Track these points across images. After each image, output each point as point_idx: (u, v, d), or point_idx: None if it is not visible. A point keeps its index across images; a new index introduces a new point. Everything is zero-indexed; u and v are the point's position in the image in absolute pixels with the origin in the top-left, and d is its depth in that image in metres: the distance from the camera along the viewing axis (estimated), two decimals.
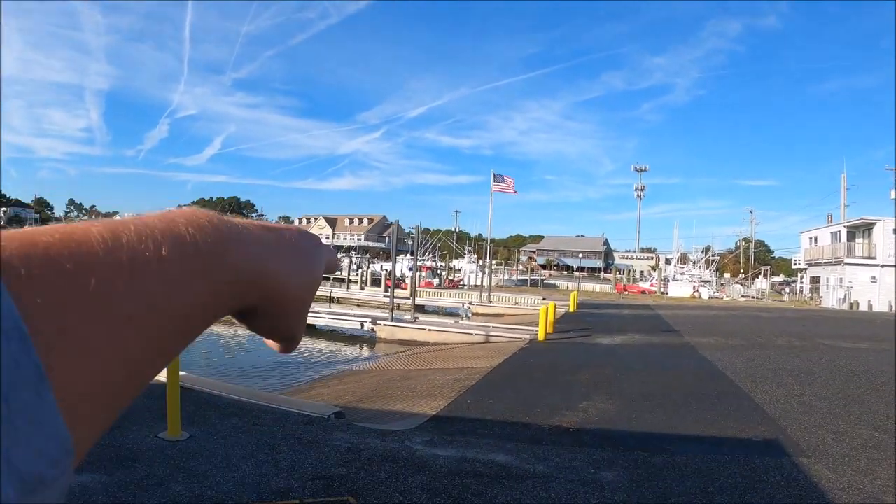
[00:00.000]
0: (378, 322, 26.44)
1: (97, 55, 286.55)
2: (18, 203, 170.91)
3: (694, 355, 18.06)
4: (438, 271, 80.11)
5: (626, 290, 73.66)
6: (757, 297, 67.25)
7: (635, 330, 25.27)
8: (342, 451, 7.37)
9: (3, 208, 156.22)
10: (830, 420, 10.01)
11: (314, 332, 27.99)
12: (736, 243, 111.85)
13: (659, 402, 11.18)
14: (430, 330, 25.37)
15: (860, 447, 8.38)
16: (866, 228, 55.71)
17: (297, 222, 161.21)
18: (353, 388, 15.19)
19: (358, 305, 42.88)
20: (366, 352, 24.43)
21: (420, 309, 43.95)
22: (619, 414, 10.31)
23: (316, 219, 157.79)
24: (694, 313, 38.11)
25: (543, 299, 46.07)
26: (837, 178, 69.14)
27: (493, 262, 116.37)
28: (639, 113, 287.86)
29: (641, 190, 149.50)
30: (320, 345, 25.55)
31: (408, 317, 28.05)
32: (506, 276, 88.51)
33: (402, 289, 53.34)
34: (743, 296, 68.54)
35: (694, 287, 68.00)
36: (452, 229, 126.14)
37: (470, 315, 40.34)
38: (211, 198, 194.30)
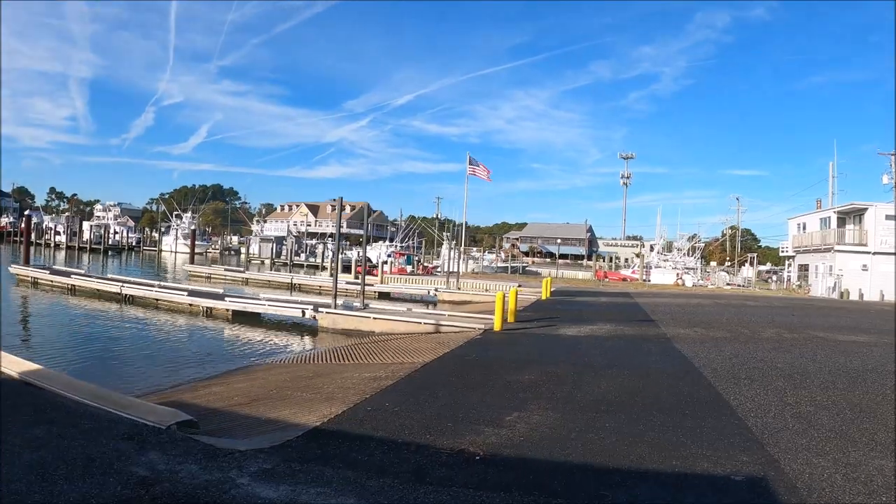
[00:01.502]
0: (320, 310, 23.79)
1: (82, 44, 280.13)
2: None
3: (668, 350, 15.57)
4: (414, 257, 77.45)
5: (606, 278, 71.30)
6: (743, 286, 64.85)
7: (607, 319, 22.77)
8: (131, 482, 5.32)
9: None
10: (836, 443, 7.42)
11: (256, 320, 25.70)
12: (722, 231, 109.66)
13: (613, 414, 8.63)
14: (374, 318, 22.81)
15: (883, 490, 5.81)
16: (857, 214, 53.31)
17: (279, 209, 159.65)
18: (251, 387, 12.61)
19: (318, 293, 40.16)
20: (297, 342, 21.85)
21: (385, 296, 41.83)
22: (556, 432, 7.71)
23: (298, 205, 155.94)
24: (675, 301, 35.52)
25: (519, 286, 43.71)
26: (826, 170, 66.61)
27: (477, 249, 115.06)
28: (626, 102, 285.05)
29: (628, 178, 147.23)
30: (254, 334, 23.10)
31: (357, 304, 25.43)
32: (486, 263, 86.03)
33: (374, 275, 51.36)
34: (728, 284, 66.21)
35: (678, 274, 65.72)
36: (436, 216, 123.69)
37: (436, 302, 38.22)
38: (194, 185, 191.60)
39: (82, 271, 38.87)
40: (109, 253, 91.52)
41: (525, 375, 11.55)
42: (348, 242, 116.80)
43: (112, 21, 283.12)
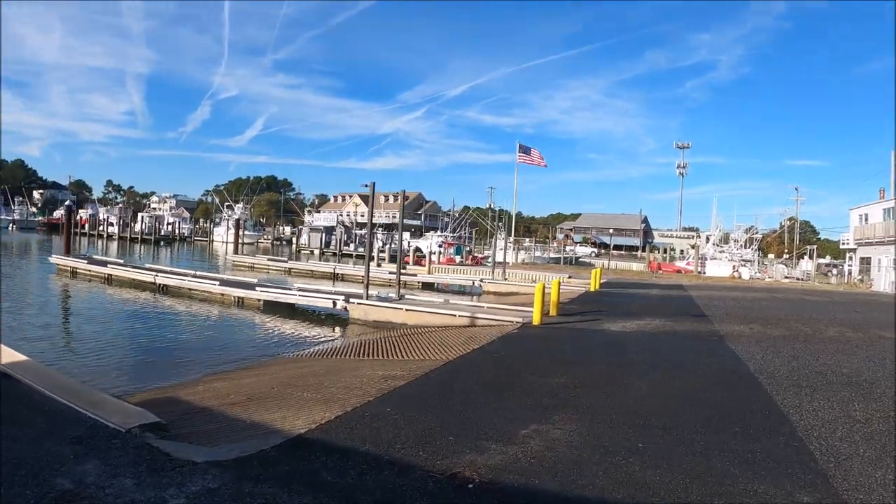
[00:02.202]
0: (351, 300, 22.71)
1: (137, 40, 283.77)
2: (55, 185, 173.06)
3: (721, 349, 14.04)
4: (465, 248, 76.25)
5: (660, 269, 69.04)
6: (801, 279, 62.14)
7: (656, 314, 21.18)
8: (47, 497, 4.62)
9: (41, 191, 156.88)
10: None
11: (287, 310, 24.70)
12: (780, 223, 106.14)
13: (649, 430, 7.28)
14: (407, 310, 21.62)
15: None
16: None
17: (332, 200, 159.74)
18: (256, 383, 11.62)
19: (361, 283, 39.10)
20: (325, 334, 20.83)
21: (430, 286, 40.65)
22: (576, 452, 6.41)
23: (351, 196, 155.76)
24: (730, 295, 33.43)
25: (568, 277, 42.50)
26: (888, 159, 63.28)
27: (530, 239, 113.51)
28: (682, 91, 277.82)
29: (684, 168, 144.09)
30: (284, 325, 22.18)
31: (393, 294, 24.46)
32: (538, 254, 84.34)
33: (422, 265, 50.34)
34: (786, 277, 63.40)
35: (734, 266, 63.17)
36: (488, 206, 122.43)
37: (481, 293, 36.97)
38: (248, 177, 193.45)
39: (120, 261, 39.01)
40: (161, 243, 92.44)
41: (555, 378, 10.24)
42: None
43: (167, 17, 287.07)
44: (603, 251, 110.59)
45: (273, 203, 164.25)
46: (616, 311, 21.70)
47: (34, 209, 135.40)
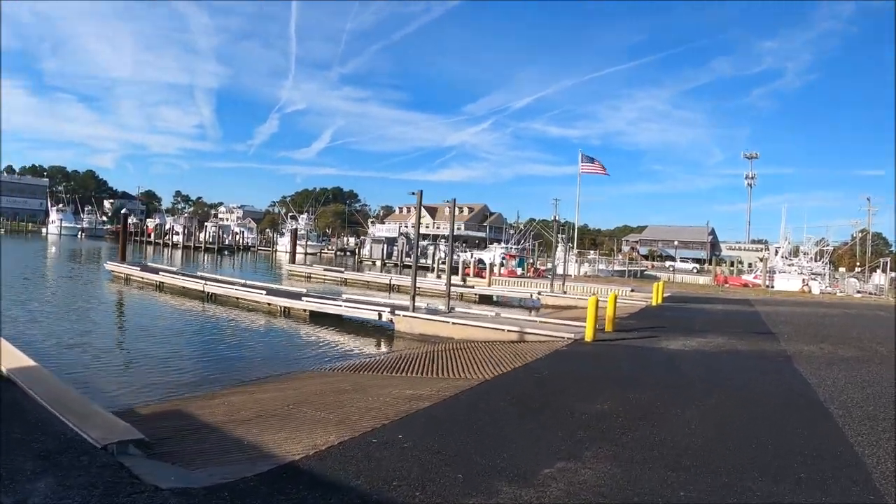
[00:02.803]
0: (397, 313, 21.89)
1: (206, 55, 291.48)
2: (125, 195, 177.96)
3: (787, 372, 12.63)
4: (528, 260, 74.97)
5: (726, 283, 66.37)
6: (874, 294, 59.19)
7: (719, 331, 19.69)
8: None
9: (111, 200, 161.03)
10: None
11: (333, 321, 24.00)
12: (851, 235, 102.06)
13: (695, 473, 6.17)
14: (454, 324, 20.67)
15: None
16: None
17: (398, 211, 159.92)
18: (274, 398, 10.93)
19: (420, 295, 38.21)
20: (368, 347, 20.23)
21: (487, 299, 39.58)
22: (603, 502, 5.31)
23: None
24: (800, 310, 31.30)
25: (631, 290, 41.06)
26: None
27: (595, 252, 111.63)
28: (749, 100, 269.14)
29: (752, 178, 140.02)
30: (327, 336, 21.60)
31: (442, 307, 23.59)
32: (602, 266, 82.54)
33: (483, 277, 49.34)
34: (858, 291, 60.51)
35: (803, 280, 60.50)
36: (553, 218, 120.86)
37: (539, 307, 35.84)
38: (315, 188, 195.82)
39: (172, 269, 39.31)
40: (225, 253, 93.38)
41: (597, 403, 9.14)
42: (465, 244, 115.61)
43: (235, 32, 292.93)
44: (668, 263, 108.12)
45: (338, 214, 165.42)
46: (676, 328, 20.33)
47: (104, 218, 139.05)
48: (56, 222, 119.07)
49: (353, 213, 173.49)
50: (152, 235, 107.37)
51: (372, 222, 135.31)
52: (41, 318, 21.56)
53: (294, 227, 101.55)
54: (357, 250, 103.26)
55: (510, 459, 6.31)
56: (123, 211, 61.76)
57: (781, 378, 11.94)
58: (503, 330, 19.50)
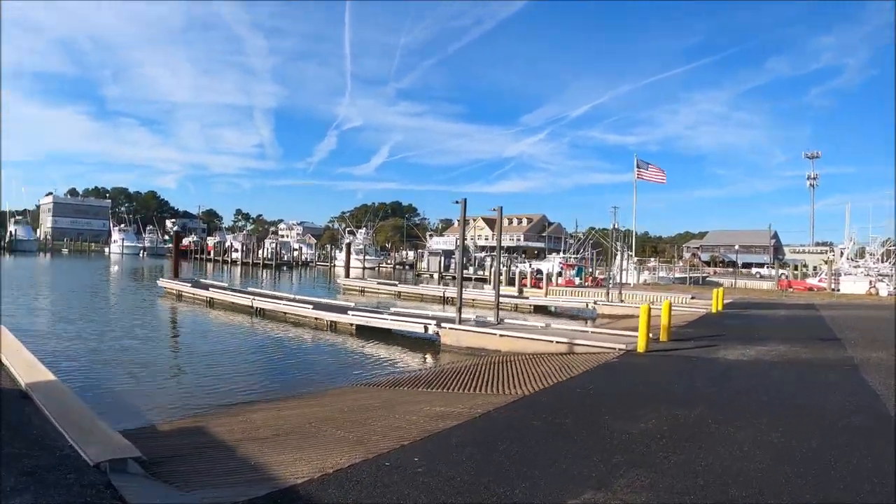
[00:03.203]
0: (443, 325, 21.34)
1: (263, 76, 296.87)
2: (187, 215, 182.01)
3: (854, 384, 11.49)
4: (586, 269, 73.76)
5: (790, 287, 63.95)
6: None
7: (781, 338, 18.49)
8: None
9: (172, 220, 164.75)
10: None
11: (380, 335, 23.53)
12: None
13: None
14: (500, 336, 19.96)
15: None
16: None
17: (455, 224, 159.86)
18: (298, 415, 10.50)
19: (472, 306, 37.53)
20: (413, 361, 19.65)
21: (543, 310, 38.70)
22: None
23: (475, 220, 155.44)
24: (867, 314, 29.43)
25: (691, 297, 39.74)
26: None
27: (655, 259, 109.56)
28: (808, 99, 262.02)
29: (814, 179, 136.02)
30: (372, 349, 21.22)
31: (491, 319, 22.95)
32: (662, 274, 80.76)
33: (540, 288, 48.44)
34: None
35: (870, 282, 57.87)
36: (612, 226, 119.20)
37: (595, 317, 34.87)
38: (374, 203, 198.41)
39: (223, 284, 39.52)
40: (283, 268, 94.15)
41: (641, 421, 8.34)
42: (524, 255, 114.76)
43: (290, 53, 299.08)
44: (730, 269, 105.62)
45: (397, 228, 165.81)
46: (735, 336, 19.21)
47: (166, 237, 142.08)
48: (118, 242, 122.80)
49: (412, 226, 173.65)
50: (212, 253, 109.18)
51: (430, 235, 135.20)
52: (87, 335, 21.77)
53: (357, 242, 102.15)
54: (415, 263, 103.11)
55: (530, 489, 5.62)
56: (176, 229, 62.46)
57: (847, 390, 10.84)
58: (552, 341, 18.75)
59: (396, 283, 52.93)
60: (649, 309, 16.63)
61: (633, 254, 52.54)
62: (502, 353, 18.59)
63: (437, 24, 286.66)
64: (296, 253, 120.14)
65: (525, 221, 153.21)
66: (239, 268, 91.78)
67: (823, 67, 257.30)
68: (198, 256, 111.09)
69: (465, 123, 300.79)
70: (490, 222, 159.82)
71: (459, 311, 21.58)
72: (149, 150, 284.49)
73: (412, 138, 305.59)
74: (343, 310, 26.61)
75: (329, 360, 19.25)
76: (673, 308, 32.02)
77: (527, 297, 42.38)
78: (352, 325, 24.52)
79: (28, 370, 9.39)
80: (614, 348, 16.76)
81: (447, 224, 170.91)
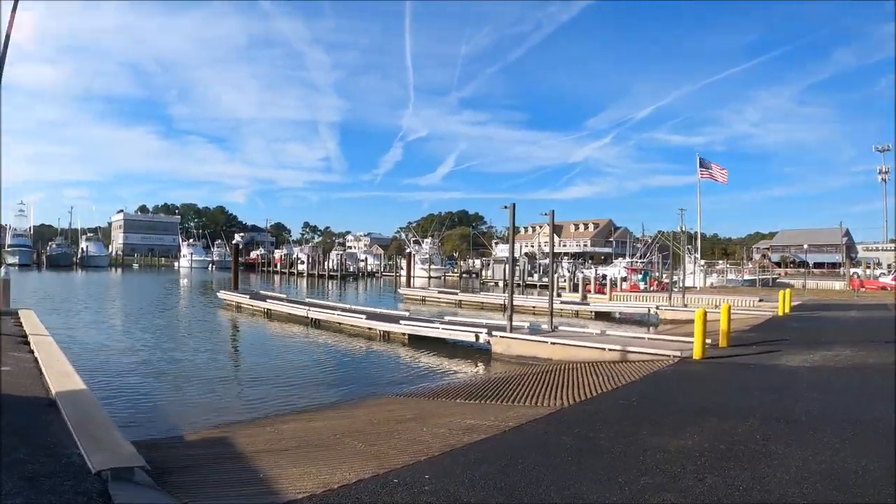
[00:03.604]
0: (493, 333, 20.84)
1: (326, 91, 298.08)
2: (255, 228, 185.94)
3: None
4: (652, 273, 72.47)
5: (862, 287, 61.44)
6: None
7: (850, 342, 17.43)
8: None
9: (241, 234, 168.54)
10: None
11: (432, 344, 23.07)
12: None
13: None
14: (552, 344, 19.29)
15: None
16: None
17: (523, 231, 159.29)
18: (321, 428, 10.16)
19: (533, 314, 36.81)
20: (459, 370, 19.10)
21: (604, 316, 37.79)
22: None
23: (541, 227, 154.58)
24: None
25: (759, 300, 38.49)
26: None
27: (724, 261, 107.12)
28: (878, 89, 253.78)
29: (885, 173, 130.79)
30: (422, 359, 20.87)
31: (545, 326, 22.24)
32: (731, 276, 78.75)
33: (604, 293, 47.59)
34: None
35: None
36: (680, 228, 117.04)
37: (657, 323, 33.90)
38: (440, 213, 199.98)
39: (282, 296, 39.78)
40: (349, 279, 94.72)
41: (680, 437, 7.73)
42: (591, 260, 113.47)
43: (351, 67, 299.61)
44: (802, 270, 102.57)
45: (464, 237, 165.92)
46: (801, 340, 18.25)
47: None
48: (187, 256, 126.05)
49: (479, 235, 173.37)
50: (279, 265, 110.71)
51: (496, 243, 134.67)
52: (140, 347, 22.20)
53: (422, 251, 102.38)
54: (480, 272, 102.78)
55: None
56: (235, 241, 63.36)
57: None
58: (604, 349, 18.02)
59: (457, 291, 52.43)
60: (705, 313, 15.89)
61: (700, 256, 51.05)
62: (553, 362, 17.97)
63: (497, 32, 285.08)
64: (362, 264, 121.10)
65: (591, 227, 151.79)
66: (305, 279, 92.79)
67: (891, 56, 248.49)
68: (265, 269, 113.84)
69: (528, 130, 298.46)
70: (557, 228, 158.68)
71: (510, 318, 21.02)
72: (217, 166, 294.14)
73: (476, 147, 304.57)
74: (396, 319, 26.40)
75: (376, 371, 19.03)
76: (737, 312, 31.17)
77: (588, 304, 41.43)
78: (404, 334, 24.23)
79: (61, 379, 9.44)
80: (669, 356, 16.04)
81: (517, 231, 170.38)
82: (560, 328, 22.53)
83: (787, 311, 29.61)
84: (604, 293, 48.26)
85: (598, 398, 10.82)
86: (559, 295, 50.22)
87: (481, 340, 21.33)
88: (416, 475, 6.25)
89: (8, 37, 14.87)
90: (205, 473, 7.13)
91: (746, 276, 79.00)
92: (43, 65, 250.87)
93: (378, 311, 32.22)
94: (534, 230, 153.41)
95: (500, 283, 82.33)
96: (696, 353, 15.37)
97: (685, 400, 10.36)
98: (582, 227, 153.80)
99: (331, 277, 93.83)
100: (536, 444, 7.50)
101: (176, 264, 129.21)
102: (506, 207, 21.36)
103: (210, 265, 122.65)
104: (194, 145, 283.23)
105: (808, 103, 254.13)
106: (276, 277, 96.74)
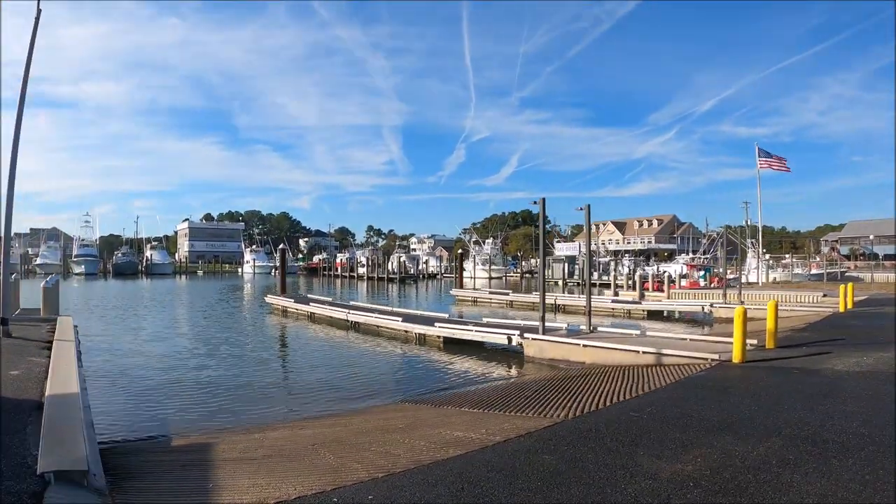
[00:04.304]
0: (526, 335, 20.12)
1: (388, 95, 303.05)
2: (319, 234, 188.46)
3: None
4: (714, 269, 70.42)
5: None
6: None
7: None
8: None
9: (305, 239, 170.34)
10: None
11: (467, 347, 22.44)
12: None
13: None
14: (584, 346, 18.32)
15: None
16: None
17: (585, 229, 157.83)
18: (310, 436, 9.67)
19: (584, 314, 35.62)
20: (489, 374, 18.40)
21: (657, 315, 36.34)
22: None
23: (605, 224, 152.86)
24: None
25: (823, 296, 36.55)
26: None
27: (791, 255, 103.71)
28: None
29: None
30: (454, 362, 20.23)
31: (584, 327, 21.43)
32: (797, 271, 75.91)
33: (662, 291, 46.17)
34: None
35: None
36: (745, 222, 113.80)
37: (712, 322, 32.52)
38: (504, 213, 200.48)
39: (328, 299, 40.22)
40: (408, 282, 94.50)
41: (680, 460, 6.83)
42: (654, 257, 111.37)
43: (412, 71, 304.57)
44: (873, 262, 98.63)
45: (528, 236, 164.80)
46: (855, 340, 16.90)
47: (299, 255, 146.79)
48: (250, 262, 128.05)
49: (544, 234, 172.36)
50: (339, 269, 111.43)
51: (557, 242, 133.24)
52: (173, 352, 22.45)
53: (483, 252, 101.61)
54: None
55: None
56: (281, 248, 63.51)
57: None
58: (638, 352, 16.96)
59: (509, 292, 51.45)
60: (745, 312, 14.78)
61: (763, 250, 49.08)
62: (587, 365, 17.12)
63: (555, 30, 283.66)
64: (423, 265, 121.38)
65: (655, 223, 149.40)
66: (366, 283, 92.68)
67: None
68: (327, 273, 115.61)
69: (591, 127, 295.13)
70: (620, 225, 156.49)
71: (542, 319, 20.12)
72: (283, 173, 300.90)
73: (540, 146, 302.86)
74: (431, 321, 25.87)
75: (401, 375, 18.55)
76: (796, 308, 29.62)
77: (640, 303, 39.96)
78: (439, 337, 23.73)
79: (59, 383, 9.40)
80: (706, 359, 14.90)
81: (578, 230, 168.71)
82: (599, 329, 21.63)
83: (849, 306, 28.02)
84: (662, 291, 46.68)
85: (609, 409, 9.97)
86: (616, 294, 49.02)
87: (514, 343, 20.60)
88: (361, 494, 5.83)
89: (31, 54, 14.83)
90: (159, 480, 7.11)
91: (814, 271, 76.00)
92: (107, 81, 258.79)
93: (415, 312, 31.92)
94: (596, 228, 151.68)
95: (560, 283, 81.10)
96: (736, 356, 14.23)
97: (703, 413, 9.23)
98: (646, 223, 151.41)
99: (390, 280, 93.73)
100: (509, 465, 6.73)
101: (239, 270, 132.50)
102: (535, 203, 20.55)
103: (273, 270, 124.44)
104: (260, 154, 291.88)
105: (874, 89, 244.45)
106: (338, 281, 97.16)
